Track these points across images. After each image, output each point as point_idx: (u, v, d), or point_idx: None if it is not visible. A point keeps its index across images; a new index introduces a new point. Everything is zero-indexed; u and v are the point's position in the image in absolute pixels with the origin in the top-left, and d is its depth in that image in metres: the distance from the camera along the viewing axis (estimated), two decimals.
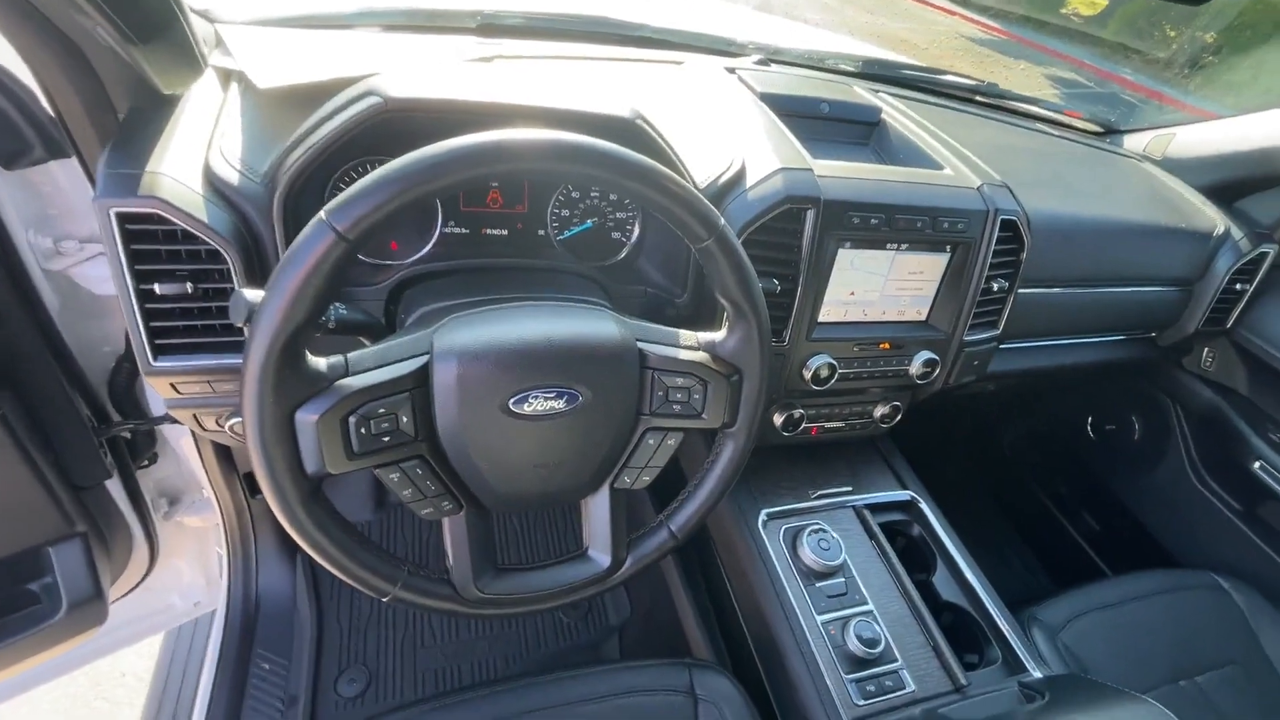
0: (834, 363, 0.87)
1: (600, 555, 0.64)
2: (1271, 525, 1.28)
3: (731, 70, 1.05)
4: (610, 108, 0.68)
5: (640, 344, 0.58)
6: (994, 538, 1.73)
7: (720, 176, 0.79)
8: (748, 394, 0.62)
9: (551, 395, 0.54)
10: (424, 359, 0.52)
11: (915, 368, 0.92)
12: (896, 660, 0.83)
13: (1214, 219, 1.19)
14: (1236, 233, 1.18)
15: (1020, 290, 1.00)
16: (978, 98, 1.34)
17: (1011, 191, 0.92)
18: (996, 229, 0.88)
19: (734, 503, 0.97)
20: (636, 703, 0.81)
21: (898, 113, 1.07)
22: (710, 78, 1.02)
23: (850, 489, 1.03)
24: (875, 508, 1.02)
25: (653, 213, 0.58)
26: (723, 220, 0.55)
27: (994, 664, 0.88)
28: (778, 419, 0.95)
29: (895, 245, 0.86)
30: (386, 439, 0.51)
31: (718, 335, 0.62)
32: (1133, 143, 1.38)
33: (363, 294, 0.73)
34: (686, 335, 0.62)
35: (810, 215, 0.79)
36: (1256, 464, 1.22)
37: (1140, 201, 1.19)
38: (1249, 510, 1.29)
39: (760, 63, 1.13)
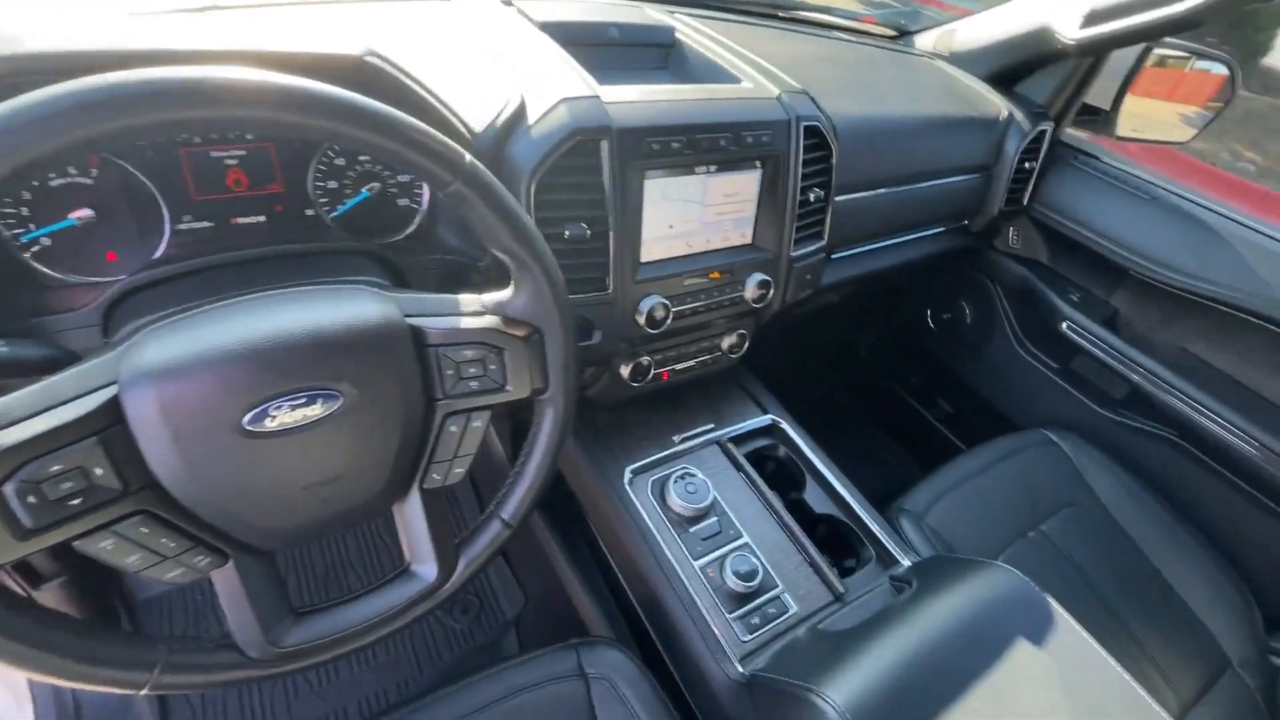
0: (666, 302, 0.83)
1: (425, 567, 0.56)
2: (1084, 377, 1.43)
3: (508, 2, 0.94)
4: (334, 46, 0.57)
5: (412, 320, 0.50)
6: (867, 441, 1.83)
7: (498, 117, 0.70)
8: (553, 352, 0.56)
9: (301, 402, 0.44)
10: (110, 390, 0.40)
11: (750, 292, 0.90)
12: (777, 586, 0.82)
13: (999, 105, 1.26)
14: (1018, 115, 1.26)
15: (837, 198, 1.00)
16: (777, 12, 1.32)
17: (812, 98, 0.91)
18: (802, 137, 0.87)
19: (597, 466, 0.92)
20: (527, 700, 0.75)
21: (694, 32, 1.02)
22: (483, 12, 0.91)
23: (712, 426, 1.01)
24: (739, 439, 1.01)
25: (390, 165, 0.49)
26: (469, 158, 0.47)
27: (869, 563, 0.91)
28: (624, 370, 0.90)
29: (705, 168, 0.82)
30: (77, 501, 0.39)
31: (504, 294, 0.54)
32: (923, 42, 1.43)
33: (65, 323, 0.58)
34: (468, 300, 0.53)
35: (606, 146, 0.72)
36: (1064, 325, 1.34)
37: (936, 97, 1.24)
38: (1064, 367, 1.43)
39: None
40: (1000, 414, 1.56)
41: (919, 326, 1.71)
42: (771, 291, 0.92)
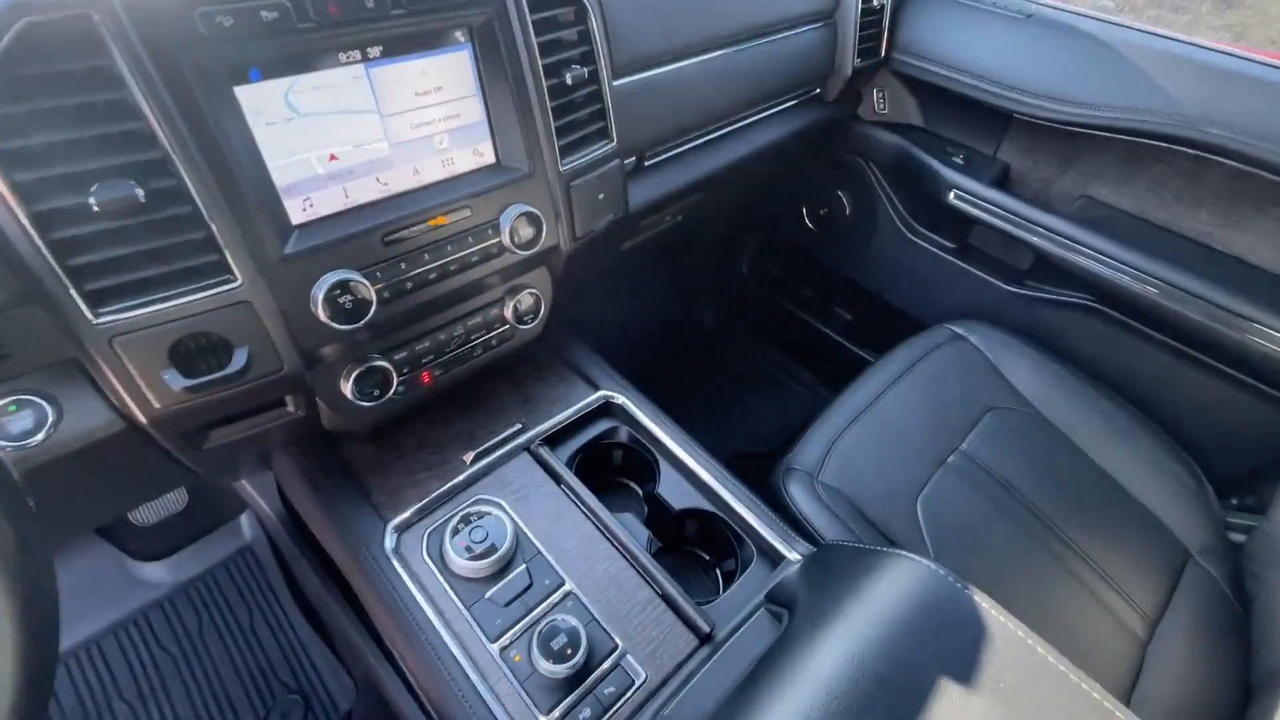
0: (362, 279, 0.53)
1: None
2: (984, 252, 1.23)
3: None
4: None
5: None
6: (770, 369, 1.61)
7: None
8: None
9: None
10: None
11: (512, 234, 0.61)
12: (615, 648, 0.58)
13: None
14: None
15: (619, 81, 0.71)
16: None
17: None
18: None
19: (348, 530, 0.64)
20: None
21: None
22: None
23: (520, 425, 0.74)
24: (558, 435, 0.74)
25: None
26: None
27: (752, 562, 0.68)
28: (347, 387, 0.60)
29: (358, 54, 0.51)
30: None
31: None
32: None
33: None
34: None
35: (112, 34, 0.40)
36: (951, 195, 1.12)
37: None
38: (961, 245, 1.23)
39: None
40: (901, 312, 1.35)
41: (797, 229, 1.46)
42: (544, 228, 0.64)
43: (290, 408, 0.60)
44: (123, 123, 0.42)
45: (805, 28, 0.98)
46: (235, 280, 0.48)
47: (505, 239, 0.62)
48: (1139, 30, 0.95)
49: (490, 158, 0.61)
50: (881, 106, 1.20)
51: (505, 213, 0.61)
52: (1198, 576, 0.86)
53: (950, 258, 1.22)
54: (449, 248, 0.59)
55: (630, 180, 0.81)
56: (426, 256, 0.57)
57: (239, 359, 0.49)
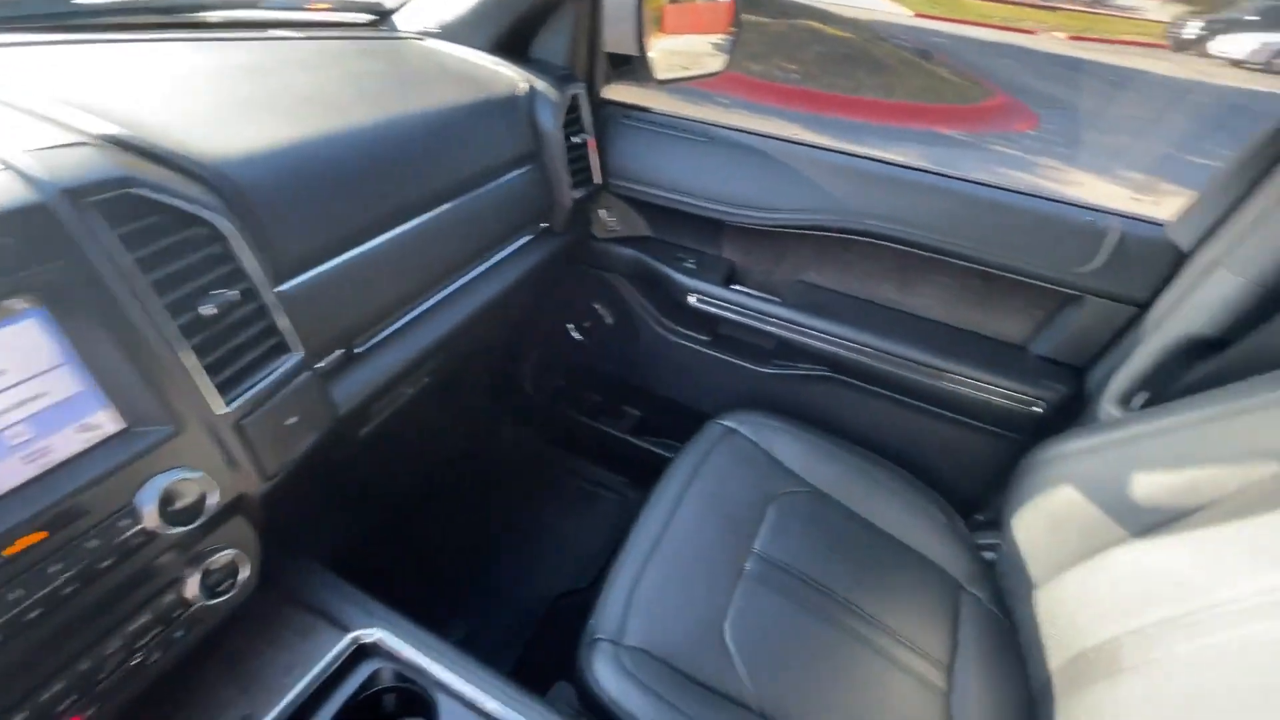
0: None
1: None
2: (734, 338, 1.31)
3: None
4: None
5: None
6: (579, 483, 1.56)
7: None
8: None
9: None
10: None
11: (164, 513, 0.48)
12: None
13: (514, 79, 1.00)
14: (541, 85, 1.02)
15: (300, 278, 0.63)
16: (172, 19, 0.87)
17: (123, 142, 0.50)
18: (101, 219, 0.46)
19: None
20: None
21: None
22: None
23: (248, 715, 0.58)
24: (304, 710, 0.60)
25: None
26: None
27: None
28: None
29: None
30: None
31: None
32: (406, 20, 1.11)
33: None
34: None
35: None
36: (691, 298, 1.19)
37: (430, 88, 0.92)
38: (714, 337, 1.30)
39: None
40: (684, 407, 1.40)
41: (567, 342, 1.46)
42: (213, 490, 0.52)
43: None
44: None
45: (513, 173, 0.98)
46: None
47: (150, 523, 0.48)
48: (800, 145, 1.11)
49: (113, 426, 0.48)
50: (612, 224, 1.25)
51: (143, 491, 0.48)
52: (970, 604, 0.95)
53: (707, 350, 1.29)
54: (55, 568, 0.44)
55: (340, 375, 0.71)
56: (19, 593, 0.42)
57: None
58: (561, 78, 1.05)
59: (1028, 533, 0.91)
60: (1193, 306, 0.86)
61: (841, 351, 1.11)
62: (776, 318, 1.14)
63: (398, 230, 0.77)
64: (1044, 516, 0.89)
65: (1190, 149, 5.67)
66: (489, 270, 0.99)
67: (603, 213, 1.24)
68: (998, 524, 1.06)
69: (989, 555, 1.04)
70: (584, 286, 1.36)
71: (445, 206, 0.85)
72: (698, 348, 1.30)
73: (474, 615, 1.23)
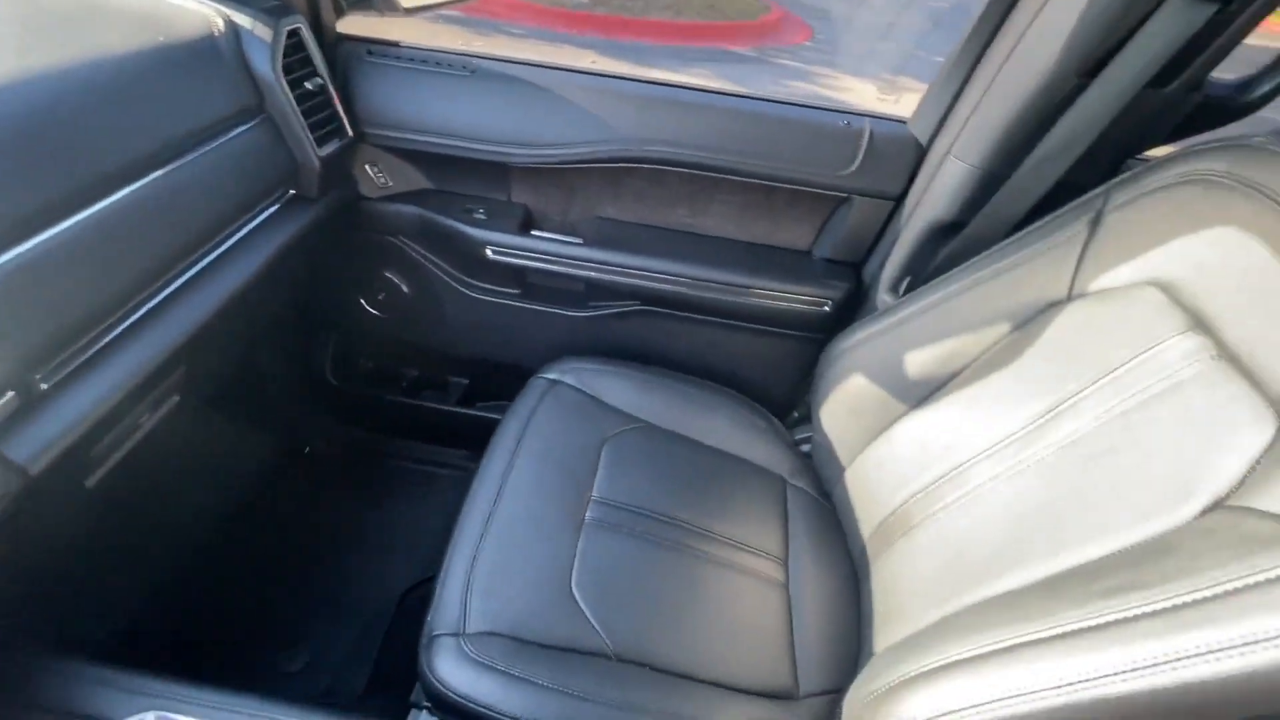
0: None
1: None
2: (545, 287, 1.25)
3: None
4: None
5: None
6: (411, 468, 1.45)
7: None
8: None
9: None
10: None
11: None
12: None
13: (205, 14, 0.81)
14: (245, 20, 0.84)
15: None
16: None
17: None
18: None
19: None
20: None
21: None
22: None
23: None
24: None
25: None
26: None
27: None
28: None
29: None
30: None
31: None
32: None
33: None
34: None
35: None
36: (488, 250, 1.10)
37: (89, 30, 0.71)
38: (524, 288, 1.23)
39: None
40: (510, 365, 1.33)
41: (364, 319, 1.31)
42: None
43: None
44: None
45: (234, 132, 0.81)
46: None
47: None
48: (571, 72, 1.04)
49: None
50: (384, 181, 1.11)
51: None
52: (796, 496, 1.03)
53: (518, 304, 1.22)
54: None
55: (21, 422, 0.55)
56: None
57: None
58: (271, 10, 0.87)
59: (832, 420, 0.99)
60: (933, 195, 0.96)
61: (649, 283, 1.11)
62: (581, 259, 1.10)
63: (76, 218, 0.60)
64: (843, 404, 0.98)
65: (933, 48, 6.40)
66: (230, 252, 0.83)
67: (369, 168, 1.09)
68: (810, 419, 1.15)
69: (806, 449, 1.14)
70: (368, 255, 1.21)
71: (142, 182, 0.68)
72: (508, 302, 1.22)
73: (316, 637, 1.11)
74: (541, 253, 1.11)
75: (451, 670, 0.68)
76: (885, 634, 0.77)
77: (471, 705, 0.66)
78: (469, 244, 1.11)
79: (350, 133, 0.99)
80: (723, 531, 0.93)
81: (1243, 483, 0.50)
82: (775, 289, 1.10)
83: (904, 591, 0.77)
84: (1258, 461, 0.50)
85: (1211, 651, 0.41)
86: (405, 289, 1.24)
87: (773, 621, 0.86)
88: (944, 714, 0.51)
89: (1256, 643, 0.40)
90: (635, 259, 1.09)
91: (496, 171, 1.13)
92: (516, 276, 1.21)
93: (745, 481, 1.02)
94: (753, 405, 1.13)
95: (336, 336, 1.38)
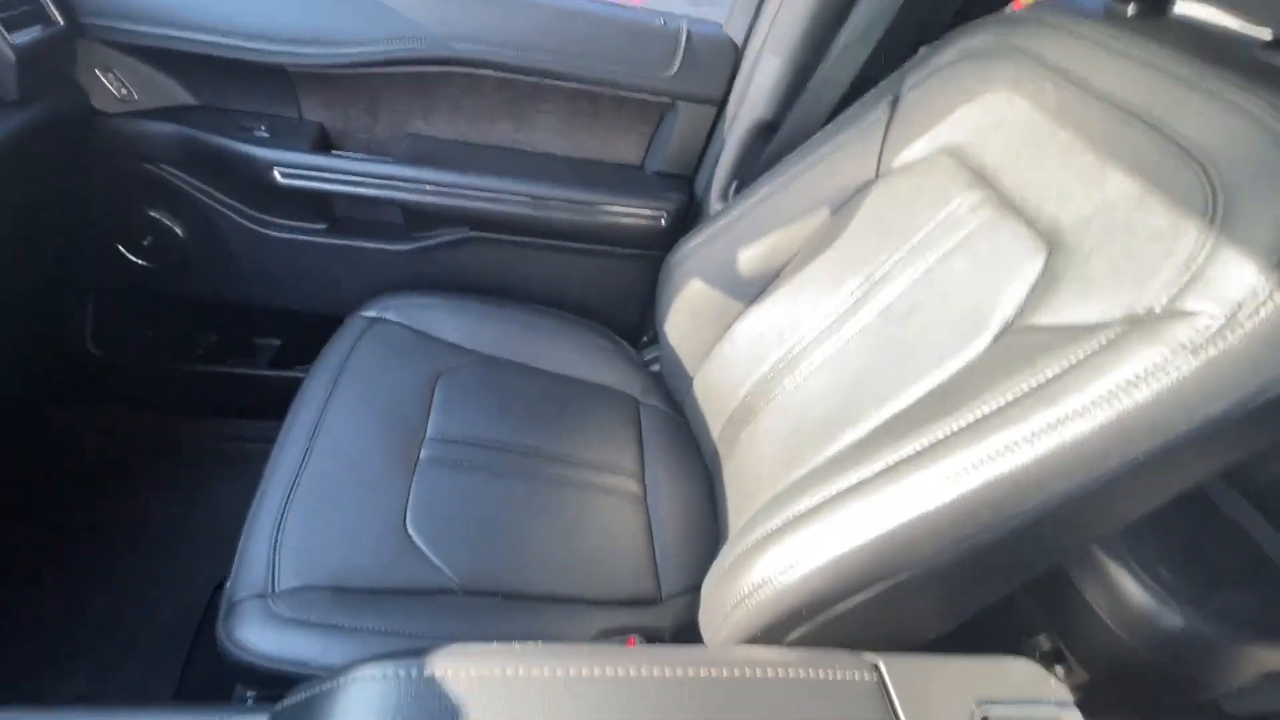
0: None
1: None
2: (356, 219, 1.11)
3: None
4: None
5: None
6: (220, 447, 1.25)
7: None
8: None
9: None
10: None
11: None
12: None
13: None
14: None
15: None
16: None
17: None
18: None
19: None
20: None
21: None
22: None
23: None
24: None
25: None
26: None
27: None
28: None
29: None
30: None
31: None
32: None
33: None
34: None
35: None
36: (276, 174, 0.94)
37: None
38: (331, 222, 1.08)
39: None
40: (327, 315, 1.17)
41: (129, 270, 1.08)
42: None
43: None
44: None
45: None
46: None
47: None
48: None
49: None
50: (124, 92, 0.90)
51: None
52: (649, 412, 1.01)
53: (326, 240, 1.07)
54: None
55: None
56: None
57: None
58: None
59: (676, 331, 0.98)
60: (753, 95, 0.96)
61: (476, 204, 1.01)
62: (394, 178, 0.98)
63: None
64: (684, 313, 0.97)
65: None
66: None
67: (101, 75, 0.88)
68: (656, 340, 1.14)
69: (656, 368, 1.13)
70: (122, 190, 0.99)
71: None
72: (314, 239, 1.07)
73: (97, 656, 0.92)
74: (345, 172, 0.97)
75: (256, 633, 0.57)
76: (737, 521, 0.77)
77: (286, 668, 0.56)
78: (251, 168, 0.94)
79: (59, 19, 0.79)
80: (576, 455, 0.89)
81: (1024, 306, 0.55)
82: (611, 205, 1.06)
83: (750, 478, 0.78)
84: (1034, 286, 0.55)
85: (1008, 448, 0.44)
86: (179, 231, 1.04)
87: (632, 535, 0.84)
88: (787, 569, 0.51)
89: (1044, 432, 0.43)
90: (457, 176, 0.99)
91: (278, 80, 0.96)
92: (319, 208, 1.06)
93: (596, 405, 0.98)
94: (600, 329, 1.10)
95: (95, 298, 1.13)
